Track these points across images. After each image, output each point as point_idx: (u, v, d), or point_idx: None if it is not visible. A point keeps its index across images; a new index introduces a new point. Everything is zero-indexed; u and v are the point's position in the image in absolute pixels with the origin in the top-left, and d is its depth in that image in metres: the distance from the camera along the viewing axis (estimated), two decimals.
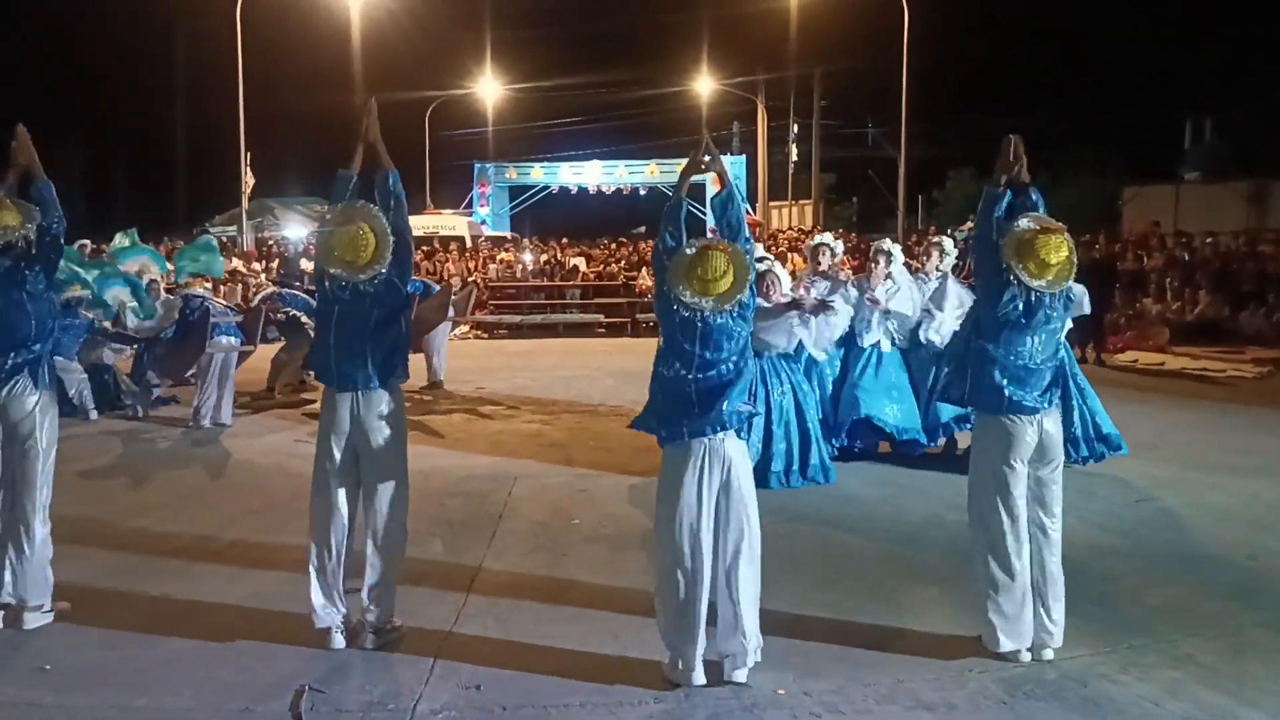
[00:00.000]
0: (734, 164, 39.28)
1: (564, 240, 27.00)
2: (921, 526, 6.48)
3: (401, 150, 41.30)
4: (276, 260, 22.94)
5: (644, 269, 22.37)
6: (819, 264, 8.45)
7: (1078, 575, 5.52)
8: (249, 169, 25.18)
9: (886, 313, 8.05)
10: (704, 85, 42.63)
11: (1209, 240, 18.96)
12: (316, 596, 4.60)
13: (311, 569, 4.62)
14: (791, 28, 34.06)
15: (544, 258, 24.06)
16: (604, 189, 40.15)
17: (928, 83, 27.80)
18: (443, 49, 43.81)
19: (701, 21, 41.79)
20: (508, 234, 33.74)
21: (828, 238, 8.67)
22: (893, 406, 7.90)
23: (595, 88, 43.20)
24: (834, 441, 7.94)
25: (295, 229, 32.22)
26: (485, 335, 19.40)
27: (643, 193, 41.02)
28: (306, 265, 21.31)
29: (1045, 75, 43.12)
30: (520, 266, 22.75)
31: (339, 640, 4.60)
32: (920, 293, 8.17)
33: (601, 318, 20.51)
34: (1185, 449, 8.52)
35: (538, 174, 40.73)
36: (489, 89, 42.96)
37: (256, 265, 21.44)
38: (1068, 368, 7.66)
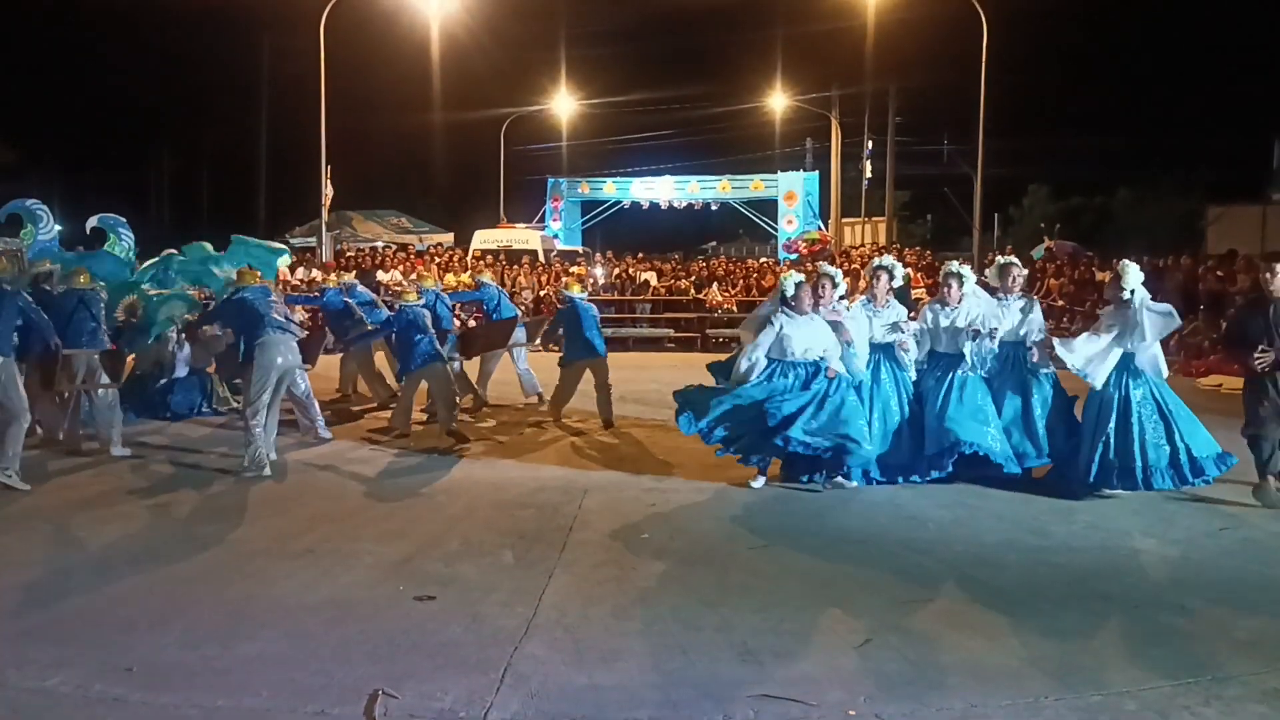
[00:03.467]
0: (807, 180, 39.13)
1: (639, 256, 27.09)
2: (996, 549, 6.37)
3: (476, 164, 41.96)
4: (354, 271, 23.32)
5: (714, 284, 22.36)
6: (874, 288, 8.31)
7: (1158, 604, 5.41)
8: (329, 181, 25.67)
9: (975, 334, 7.91)
10: (777, 101, 42.55)
11: None
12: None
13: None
14: (867, 44, 33.80)
15: (615, 272, 24.17)
16: (675, 204, 40.23)
17: (1005, 99, 27.47)
18: (519, 65, 44.42)
19: (775, 37, 41.84)
20: (579, 248, 33.96)
21: (889, 260, 8.61)
22: (989, 432, 7.77)
23: (668, 103, 43.45)
24: (934, 473, 7.90)
25: (371, 240, 32.77)
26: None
27: (714, 208, 41.01)
28: (383, 277, 21.64)
29: (1126, 92, 42.28)
30: (591, 281, 22.88)
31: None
32: (1005, 312, 8.03)
33: (671, 332, 20.54)
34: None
35: (610, 189, 40.94)
36: (563, 104, 43.38)
37: (334, 276, 21.82)
38: (1154, 393, 7.52)
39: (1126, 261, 7.91)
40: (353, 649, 4.73)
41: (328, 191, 25.82)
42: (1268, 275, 7.36)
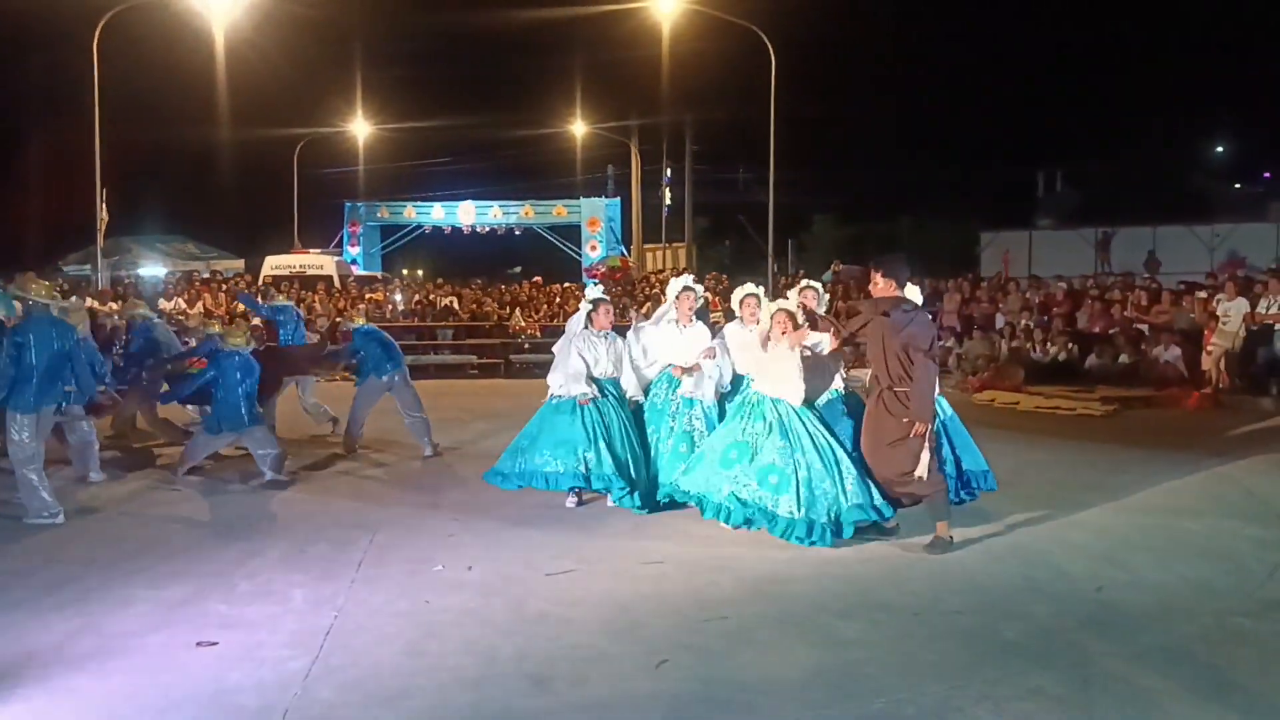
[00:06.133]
0: (609, 206, 39.63)
1: (439, 280, 26.69)
2: (786, 566, 6.51)
3: (269, 188, 40.51)
4: (128, 299, 22.04)
5: (517, 310, 22.28)
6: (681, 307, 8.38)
7: (935, 610, 5.67)
8: (104, 205, 24.20)
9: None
10: (578, 128, 42.94)
11: (1060, 284, 19.82)
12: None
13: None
14: (663, 74, 34.57)
15: (415, 297, 23.77)
16: (478, 229, 39.99)
17: (796, 131, 28.54)
18: (314, 85, 42.99)
19: (576, 65, 42.22)
20: (379, 273, 33.26)
21: (688, 279, 8.76)
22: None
23: (470, 127, 43.14)
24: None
25: (154, 268, 31.16)
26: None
27: (518, 233, 41.00)
28: (166, 305, 20.60)
29: (908, 126, 44.86)
30: (390, 306, 22.42)
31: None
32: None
33: (474, 359, 20.33)
34: (1039, 485, 8.79)
35: (410, 213, 40.37)
36: (361, 127, 42.42)
37: (113, 304, 20.58)
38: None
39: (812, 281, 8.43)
40: (119, 704, 4.43)
41: (103, 216, 24.33)
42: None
